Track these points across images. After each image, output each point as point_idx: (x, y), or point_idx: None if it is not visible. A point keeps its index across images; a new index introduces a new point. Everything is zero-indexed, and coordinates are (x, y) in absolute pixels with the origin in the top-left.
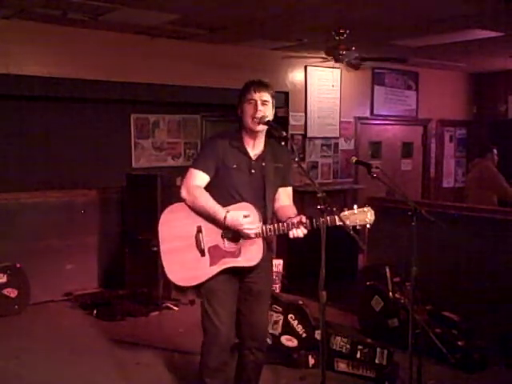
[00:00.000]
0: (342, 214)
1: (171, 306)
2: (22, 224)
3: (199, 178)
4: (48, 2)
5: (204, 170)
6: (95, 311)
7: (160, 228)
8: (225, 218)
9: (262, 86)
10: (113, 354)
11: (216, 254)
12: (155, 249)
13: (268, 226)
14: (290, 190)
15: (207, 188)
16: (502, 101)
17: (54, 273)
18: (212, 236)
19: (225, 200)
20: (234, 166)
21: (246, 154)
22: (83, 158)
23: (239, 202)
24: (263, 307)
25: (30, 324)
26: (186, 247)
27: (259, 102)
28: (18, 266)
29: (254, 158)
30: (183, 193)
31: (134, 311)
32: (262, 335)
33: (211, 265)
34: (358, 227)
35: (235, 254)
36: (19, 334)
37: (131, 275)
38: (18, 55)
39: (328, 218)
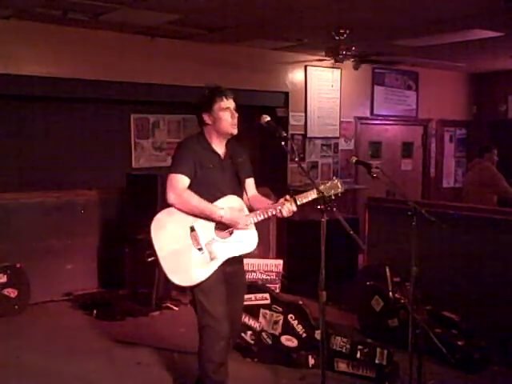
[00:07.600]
0: (319, 188)
1: (171, 306)
2: (22, 224)
3: (182, 182)
4: (48, 1)
5: (185, 174)
6: (95, 311)
7: (154, 237)
8: (221, 216)
9: (230, 93)
10: (113, 353)
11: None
12: (151, 259)
13: (258, 212)
14: (253, 180)
15: (189, 189)
16: (502, 101)
17: (54, 273)
18: (206, 231)
19: (208, 198)
20: (211, 166)
21: (217, 153)
22: (83, 157)
23: (222, 197)
24: (241, 299)
25: (30, 324)
26: (183, 248)
27: (232, 108)
28: (18, 266)
29: (222, 156)
30: (171, 198)
31: (134, 311)
32: (239, 326)
33: (212, 259)
34: (333, 197)
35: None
36: (19, 334)
37: (131, 275)
38: (17, 55)
39: (307, 193)
